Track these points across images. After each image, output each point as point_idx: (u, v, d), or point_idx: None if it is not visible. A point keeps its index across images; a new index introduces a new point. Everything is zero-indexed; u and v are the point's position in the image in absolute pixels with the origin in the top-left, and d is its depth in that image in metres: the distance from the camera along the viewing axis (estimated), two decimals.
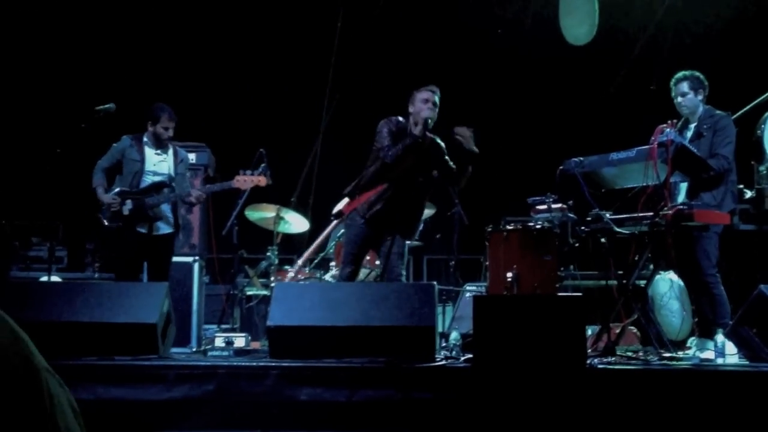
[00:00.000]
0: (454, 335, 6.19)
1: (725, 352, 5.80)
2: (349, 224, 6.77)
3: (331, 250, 8.42)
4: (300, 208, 9.09)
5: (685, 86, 6.48)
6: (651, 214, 6.04)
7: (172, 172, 7.19)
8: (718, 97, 6.64)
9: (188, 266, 7.69)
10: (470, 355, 5.55)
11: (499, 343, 5.27)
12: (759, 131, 7.03)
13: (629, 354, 6.06)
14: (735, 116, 6.68)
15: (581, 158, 6.42)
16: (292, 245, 9.18)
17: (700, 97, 6.47)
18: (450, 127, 6.62)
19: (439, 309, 7.02)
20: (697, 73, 6.51)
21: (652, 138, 6.03)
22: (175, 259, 7.62)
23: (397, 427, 5.04)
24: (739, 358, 5.82)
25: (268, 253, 8.27)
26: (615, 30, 9.73)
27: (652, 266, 6.73)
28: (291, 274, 8.22)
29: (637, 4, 9.81)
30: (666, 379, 5.15)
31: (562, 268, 6.80)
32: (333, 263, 8.24)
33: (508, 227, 6.75)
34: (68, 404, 1.70)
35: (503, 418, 5.03)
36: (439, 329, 6.46)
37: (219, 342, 6.42)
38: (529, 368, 5.14)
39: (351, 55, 10.51)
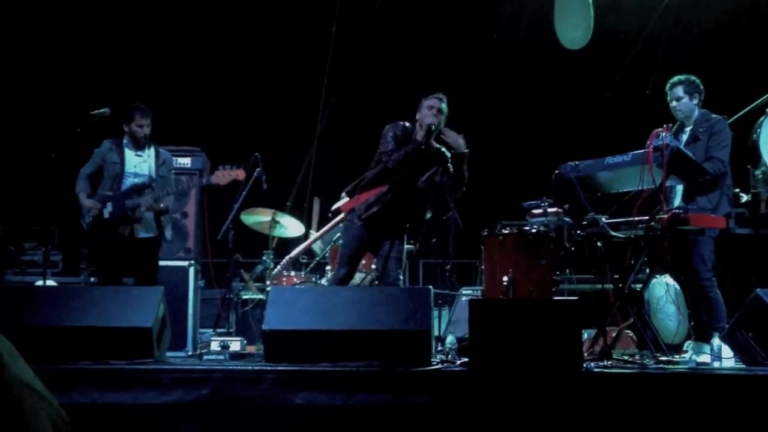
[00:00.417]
0: (449, 339, 6.19)
1: (721, 356, 5.79)
2: (347, 226, 6.79)
3: (327, 254, 8.41)
4: (295, 213, 9.08)
5: (680, 90, 6.48)
6: (647, 218, 6.05)
7: (152, 174, 7.09)
8: (713, 102, 6.64)
9: (184, 270, 7.68)
10: (466, 359, 5.54)
11: (495, 347, 5.27)
12: (755, 135, 7.04)
13: (625, 358, 6.06)
14: (731, 120, 6.69)
15: (577, 162, 6.41)
16: (288, 249, 9.17)
17: (695, 102, 6.48)
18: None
19: (435, 313, 7.00)
20: (693, 78, 6.51)
21: (648, 142, 6.03)
22: (170, 263, 7.60)
23: (393, 430, 5.03)
24: (736, 361, 5.81)
25: (264, 258, 8.26)
26: (610, 34, 9.73)
27: (648, 270, 6.74)
28: (294, 277, 8.24)
29: (632, 8, 9.81)
30: (662, 382, 5.14)
31: (557, 272, 6.81)
32: (329, 267, 8.24)
33: (504, 231, 6.75)
34: (49, 420, 1.61)
35: (499, 423, 5.02)
36: (435, 333, 6.44)
37: (214, 346, 6.41)
38: (525, 372, 5.14)
39: (347, 59, 10.51)
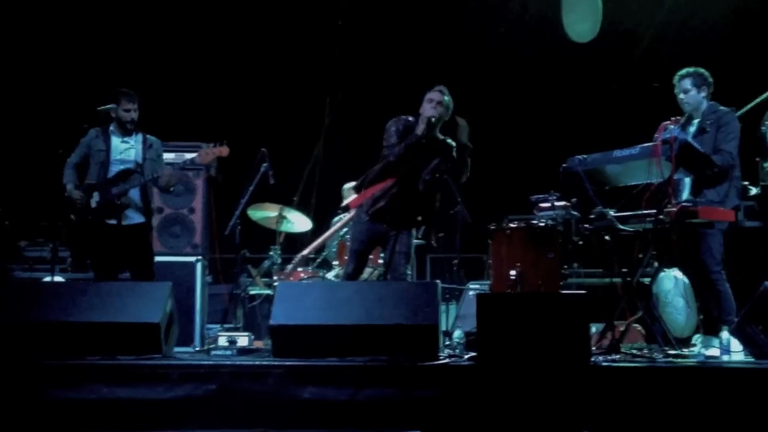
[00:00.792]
0: (457, 334, 6.19)
1: (730, 350, 5.77)
2: (356, 221, 6.82)
3: (334, 249, 8.41)
4: (302, 208, 9.08)
5: (687, 83, 6.44)
6: (655, 211, 6.03)
7: (139, 159, 6.97)
8: (722, 94, 6.61)
9: (191, 266, 7.70)
10: (474, 354, 5.55)
11: (503, 342, 5.27)
12: (763, 128, 7.00)
13: (634, 351, 6.04)
14: (739, 113, 6.65)
15: (584, 156, 6.40)
16: (295, 245, 9.17)
17: (703, 94, 6.44)
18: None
19: (443, 307, 6.99)
20: (701, 70, 6.47)
21: (656, 135, 6.01)
22: (177, 258, 7.61)
23: (401, 425, 5.02)
24: (745, 355, 5.80)
25: (271, 253, 8.26)
26: (618, 27, 9.70)
27: (656, 263, 6.72)
28: (302, 272, 8.25)
29: (640, 0, 9.78)
30: (671, 376, 5.14)
31: (565, 266, 6.78)
32: (336, 262, 8.24)
33: (512, 225, 6.73)
34: None
35: (507, 416, 5.02)
36: (443, 328, 6.43)
37: (222, 341, 6.42)
38: (532, 366, 5.13)
39: (353, 53, 10.50)
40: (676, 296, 7.10)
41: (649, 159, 5.96)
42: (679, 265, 6.88)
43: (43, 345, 5.64)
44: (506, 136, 10.37)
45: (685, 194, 6.35)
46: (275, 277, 8.06)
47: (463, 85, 10.43)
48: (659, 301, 7.07)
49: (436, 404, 5.08)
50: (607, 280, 6.56)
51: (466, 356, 5.72)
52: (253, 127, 10.19)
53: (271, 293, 7.62)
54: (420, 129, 6.47)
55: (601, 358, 5.56)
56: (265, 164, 7.97)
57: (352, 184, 7.34)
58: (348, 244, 7.97)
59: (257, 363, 5.51)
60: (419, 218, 6.61)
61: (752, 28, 9.28)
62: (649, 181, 6.05)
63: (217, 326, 7.97)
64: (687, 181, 6.39)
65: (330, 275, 8.18)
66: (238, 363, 5.50)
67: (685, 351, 6.20)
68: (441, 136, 6.52)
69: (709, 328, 6.25)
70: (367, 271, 7.74)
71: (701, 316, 6.59)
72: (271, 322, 5.76)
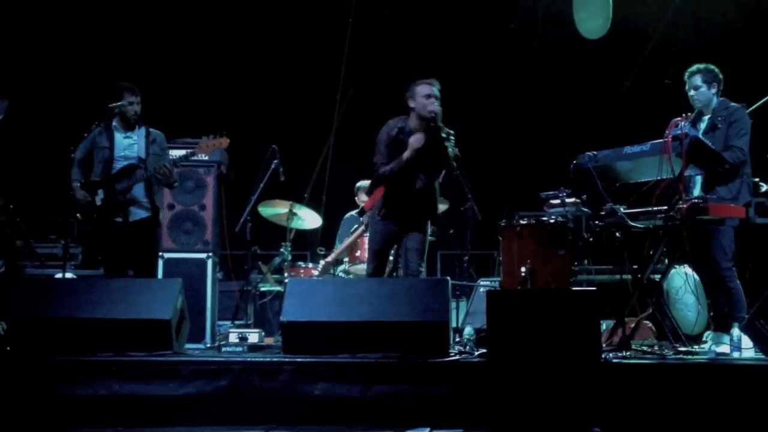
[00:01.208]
0: (467, 330, 6.19)
1: (741, 346, 5.77)
2: (371, 222, 6.85)
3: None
4: (313, 204, 9.09)
5: (698, 79, 6.42)
6: (665, 208, 6.01)
7: (142, 154, 6.93)
8: (733, 90, 6.59)
9: (202, 263, 7.70)
10: (484, 350, 5.55)
11: (513, 338, 5.27)
12: None
13: (644, 348, 6.04)
14: (750, 109, 6.62)
15: (595, 152, 6.38)
16: (305, 241, 9.19)
17: (713, 90, 6.42)
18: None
19: (453, 304, 7.00)
20: (711, 66, 6.45)
21: (667, 131, 5.99)
22: (188, 255, 7.61)
23: (412, 422, 5.03)
24: (755, 351, 5.80)
25: (282, 249, 8.28)
26: (629, 23, 9.67)
27: (666, 260, 6.70)
28: (315, 272, 8.26)
29: None
30: (681, 373, 5.13)
31: (576, 263, 6.78)
32: (346, 259, 8.25)
33: (522, 222, 6.74)
34: None
35: (517, 413, 5.02)
36: (453, 324, 6.44)
37: (233, 338, 6.43)
38: (543, 363, 5.13)
39: (364, 50, 10.51)
40: (687, 293, 7.08)
41: (659, 156, 5.94)
42: (689, 261, 6.87)
43: (54, 341, 5.67)
44: (517, 133, 10.37)
45: (696, 191, 6.34)
46: (286, 274, 8.08)
47: (474, 82, 10.50)
48: (670, 298, 7.06)
49: (446, 401, 5.09)
50: (617, 276, 6.56)
51: (476, 353, 5.73)
52: (263, 124, 10.22)
53: (282, 290, 7.64)
54: (418, 140, 6.40)
55: (611, 354, 5.55)
56: (275, 161, 7.99)
57: (366, 182, 7.34)
58: (358, 241, 8.01)
59: (268, 359, 5.52)
60: (423, 215, 6.57)
61: (762, 23, 9.24)
62: (659, 178, 6.03)
63: (228, 323, 8.01)
64: (698, 178, 6.38)
65: (339, 270, 8.20)
66: (248, 359, 5.52)
67: (696, 348, 6.20)
68: (444, 133, 6.42)
69: (719, 324, 6.24)
70: (365, 266, 7.76)
71: (712, 313, 6.57)
72: (282, 318, 5.78)
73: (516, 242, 6.59)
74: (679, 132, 5.91)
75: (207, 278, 7.69)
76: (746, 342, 5.81)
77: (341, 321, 5.65)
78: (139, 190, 6.90)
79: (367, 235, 7.47)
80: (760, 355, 5.70)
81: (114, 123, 6.99)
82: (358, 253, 8.03)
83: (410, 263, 6.51)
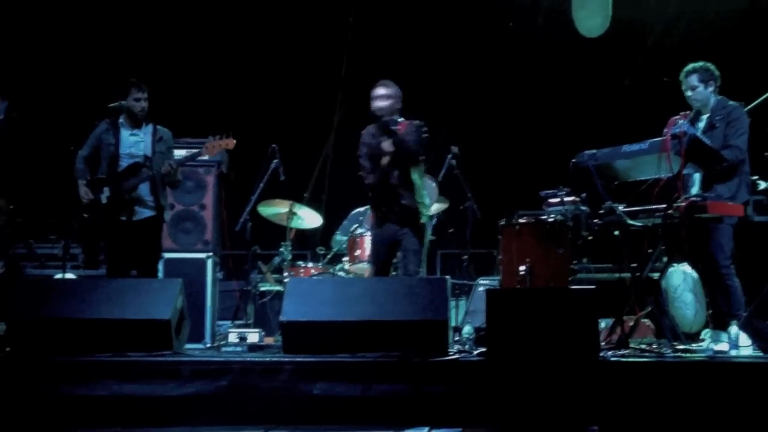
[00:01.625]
0: (467, 329, 6.20)
1: (739, 344, 5.78)
2: (371, 226, 6.89)
3: (344, 246, 8.43)
4: (313, 204, 9.10)
5: (694, 79, 6.42)
6: (664, 206, 6.02)
7: (148, 152, 6.88)
8: (732, 88, 6.59)
9: (202, 262, 7.71)
10: (483, 349, 5.55)
11: (513, 337, 5.28)
12: None
13: (643, 347, 6.04)
14: (748, 107, 6.63)
15: (594, 151, 6.39)
16: (305, 241, 9.19)
17: (710, 89, 6.41)
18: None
19: (452, 303, 7.00)
20: (707, 65, 6.44)
21: (665, 130, 6.00)
22: (188, 255, 7.62)
23: (411, 421, 5.04)
24: (753, 349, 5.80)
25: (282, 249, 8.28)
26: (628, 22, 9.68)
27: (665, 258, 6.71)
28: (312, 268, 8.29)
29: None
30: (680, 371, 5.14)
31: (575, 261, 6.79)
32: (345, 258, 8.26)
33: (521, 221, 6.75)
34: None
35: (516, 411, 5.03)
36: (452, 323, 6.44)
37: (233, 338, 6.45)
38: (542, 362, 5.14)
39: (364, 49, 10.51)
40: (686, 291, 7.09)
41: (658, 154, 5.95)
42: (688, 259, 6.87)
43: (54, 342, 5.68)
44: (516, 131, 10.36)
45: (695, 189, 6.34)
46: (286, 274, 8.09)
47: (473, 81, 10.50)
48: (668, 296, 7.05)
49: (446, 400, 5.10)
50: (616, 275, 6.58)
51: (475, 352, 5.74)
52: (263, 123, 10.22)
53: (282, 290, 7.64)
54: (389, 144, 6.60)
55: (610, 353, 5.57)
56: (275, 160, 8.00)
57: None
58: (358, 239, 8.02)
59: (268, 359, 5.54)
60: (404, 210, 6.60)
61: (762, 22, 9.24)
62: (658, 176, 6.04)
63: (228, 323, 8.01)
64: (696, 176, 6.38)
65: (337, 268, 8.20)
66: (248, 359, 5.54)
67: (694, 346, 6.20)
68: (392, 126, 6.62)
69: (718, 322, 6.25)
70: (366, 266, 7.78)
71: (710, 311, 6.58)
72: (282, 318, 5.78)
73: (515, 241, 6.61)
74: (677, 130, 5.92)
75: (207, 278, 7.70)
76: (744, 340, 5.81)
77: (341, 320, 5.66)
78: (144, 189, 6.86)
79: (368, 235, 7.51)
80: (758, 353, 5.70)
81: (121, 120, 6.95)
82: (358, 253, 8.04)
83: (407, 264, 6.54)
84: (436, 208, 8.30)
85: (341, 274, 8.15)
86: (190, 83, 10.43)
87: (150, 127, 7.00)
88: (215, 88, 10.55)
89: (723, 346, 5.92)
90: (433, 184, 8.08)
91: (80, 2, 10.42)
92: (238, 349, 6.34)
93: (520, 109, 10.48)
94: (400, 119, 6.71)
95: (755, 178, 6.76)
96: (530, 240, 6.55)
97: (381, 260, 6.71)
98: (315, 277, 8.05)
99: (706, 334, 6.45)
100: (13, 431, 5.15)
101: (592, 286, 5.79)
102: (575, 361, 5.14)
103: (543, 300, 5.44)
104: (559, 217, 6.67)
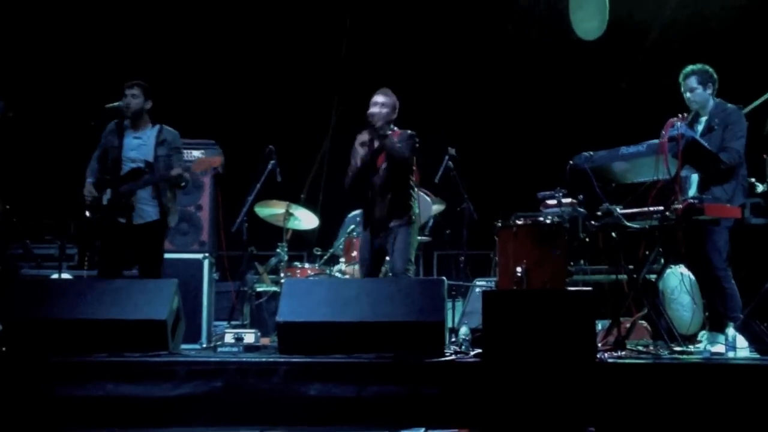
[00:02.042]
0: (463, 330, 6.19)
1: (736, 346, 5.78)
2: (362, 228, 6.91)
3: (341, 247, 8.43)
4: (309, 205, 9.09)
5: (693, 81, 6.43)
6: (661, 208, 6.02)
7: (150, 157, 6.80)
8: (730, 91, 6.59)
9: (198, 263, 7.71)
10: (480, 350, 5.55)
11: (509, 338, 5.27)
12: None
13: (640, 348, 6.04)
14: (746, 110, 6.64)
15: (591, 153, 6.40)
16: (302, 242, 9.19)
17: (709, 91, 6.43)
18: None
19: (449, 304, 7.01)
20: (706, 67, 6.46)
21: (663, 132, 6.00)
22: (184, 255, 7.62)
23: (407, 422, 5.03)
24: (750, 351, 5.80)
25: (278, 250, 8.28)
26: (626, 24, 9.68)
27: (662, 260, 6.71)
28: (308, 269, 8.29)
29: None
30: (676, 372, 5.13)
31: (572, 263, 6.78)
32: (342, 259, 8.26)
33: (518, 222, 6.74)
34: None
35: (512, 413, 5.02)
36: (449, 324, 6.45)
37: (229, 338, 6.43)
38: (538, 363, 5.13)
39: (360, 51, 10.51)
40: (682, 293, 7.08)
41: (656, 156, 5.95)
42: (685, 261, 6.87)
43: (50, 342, 5.67)
44: (513, 132, 10.37)
45: (692, 191, 6.35)
46: (282, 274, 8.08)
47: (470, 83, 10.51)
48: (665, 298, 7.06)
49: (442, 401, 5.09)
50: (613, 276, 6.56)
51: (471, 353, 5.73)
52: (260, 124, 10.23)
53: (278, 290, 7.64)
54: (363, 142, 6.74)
55: (606, 354, 5.56)
56: (272, 161, 7.99)
57: None
58: (354, 241, 8.02)
59: (264, 360, 5.53)
60: (391, 212, 6.61)
61: (760, 24, 9.25)
62: (655, 178, 6.04)
63: (224, 323, 8.00)
64: (694, 178, 6.40)
65: (334, 269, 8.20)
66: (244, 360, 5.52)
67: (691, 348, 6.19)
68: (385, 132, 6.65)
69: (714, 324, 6.26)
70: (353, 266, 7.79)
71: (707, 313, 6.59)
72: (278, 318, 5.78)
73: (512, 242, 6.60)
74: (675, 132, 5.91)
75: (203, 279, 7.71)
76: (741, 342, 5.81)
77: (337, 321, 5.66)
78: (145, 193, 6.79)
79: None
80: (755, 355, 5.71)
81: (126, 122, 6.87)
82: (354, 254, 8.04)
83: (394, 264, 6.55)
84: (435, 208, 8.33)
85: (338, 275, 8.15)
86: (190, 84, 10.42)
87: (155, 130, 6.92)
88: (214, 89, 10.55)
89: (720, 348, 5.91)
90: (428, 199, 8.10)
91: (80, 2, 10.41)
92: (234, 349, 6.33)
93: (517, 110, 10.50)
94: (394, 128, 6.73)
95: (753, 180, 6.75)
96: (527, 241, 6.54)
97: (368, 263, 6.70)
98: (311, 278, 8.04)
99: (702, 336, 6.46)
100: None
101: (589, 288, 5.78)
102: (572, 363, 5.13)
103: (540, 301, 5.43)
104: (556, 219, 6.66)
